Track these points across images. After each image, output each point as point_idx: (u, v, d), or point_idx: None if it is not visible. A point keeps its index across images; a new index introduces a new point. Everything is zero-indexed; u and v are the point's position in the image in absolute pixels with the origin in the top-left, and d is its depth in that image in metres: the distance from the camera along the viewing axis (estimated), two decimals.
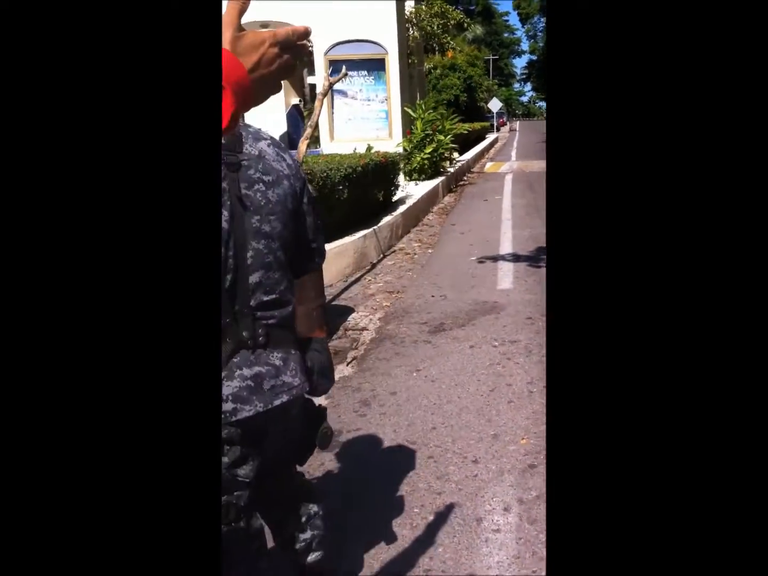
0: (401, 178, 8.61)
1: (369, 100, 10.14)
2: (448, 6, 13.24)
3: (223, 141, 1.16)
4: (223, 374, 1.18)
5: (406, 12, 11.21)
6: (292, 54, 0.68)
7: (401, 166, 8.79)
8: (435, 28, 12.49)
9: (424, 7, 12.64)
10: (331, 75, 6.80)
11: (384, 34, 9.71)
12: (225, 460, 1.23)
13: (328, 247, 5.31)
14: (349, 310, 4.61)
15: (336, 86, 9.21)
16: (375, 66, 9.99)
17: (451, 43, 15.81)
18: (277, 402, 1.25)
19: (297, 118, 9.74)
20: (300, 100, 11.91)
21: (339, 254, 5.47)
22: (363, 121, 10.15)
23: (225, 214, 1.19)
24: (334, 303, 4.79)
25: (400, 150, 9.56)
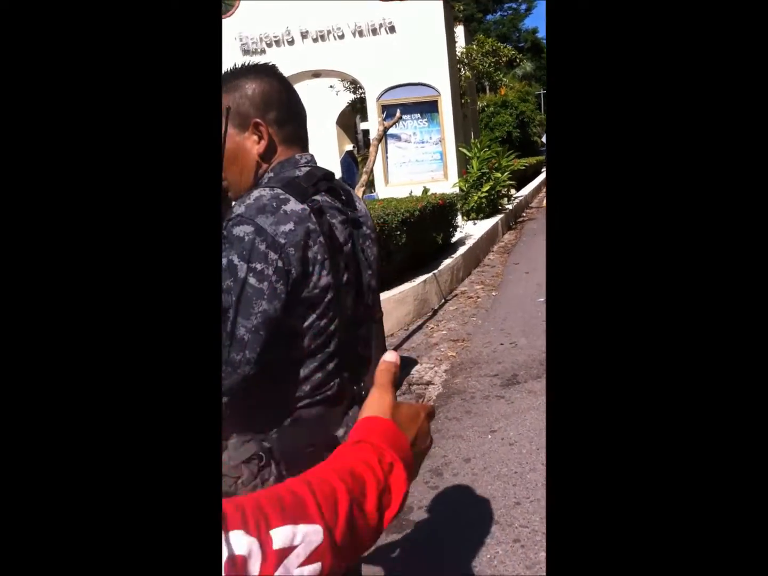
0: (459, 218, 8.38)
1: (423, 143, 10.05)
2: (499, 44, 13.15)
3: (340, 196, 1.18)
4: (341, 431, 1.13)
5: (457, 52, 11.15)
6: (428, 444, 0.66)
7: (459, 206, 8.57)
8: (487, 66, 12.38)
9: (475, 46, 12.57)
10: (385, 119, 6.70)
11: (436, 75, 9.64)
12: None
13: (387, 294, 5.14)
14: (412, 362, 4.34)
15: (390, 131, 9.16)
16: (428, 108, 9.91)
17: (504, 80, 15.69)
18: None
19: (351, 164, 9.71)
20: (354, 146, 11.93)
21: (399, 302, 5.24)
22: (417, 164, 10.04)
23: (370, 271, 1.23)
24: None
25: (457, 190, 9.37)
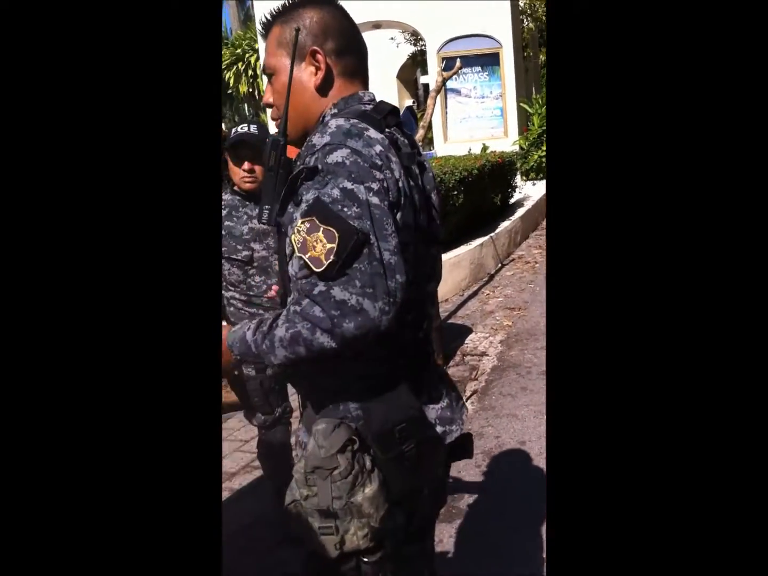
0: (518, 178, 8.03)
1: (483, 97, 9.63)
2: None
3: (409, 138, 1.12)
4: (424, 397, 1.07)
5: (520, 3, 10.58)
6: None
7: (518, 165, 8.21)
8: None
9: None
10: (444, 70, 6.39)
11: (498, 27, 9.18)
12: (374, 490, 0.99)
13: (442, 258, 4.95)
14: (466, 331, 4.17)
15: (449, 85, 8.77)
16: (489, 61, 9.47)
17: None
18: (464, 417, 1.14)
19: (411, 120, 9.44)
20: (414, 102, 11.60)
21: (455, 265, 5.04)
22: (477, 120, 9.65)
23: (437, 222, 1.14)
24: (450, 321, 4.37)
25: (516, 148, 8.98)
